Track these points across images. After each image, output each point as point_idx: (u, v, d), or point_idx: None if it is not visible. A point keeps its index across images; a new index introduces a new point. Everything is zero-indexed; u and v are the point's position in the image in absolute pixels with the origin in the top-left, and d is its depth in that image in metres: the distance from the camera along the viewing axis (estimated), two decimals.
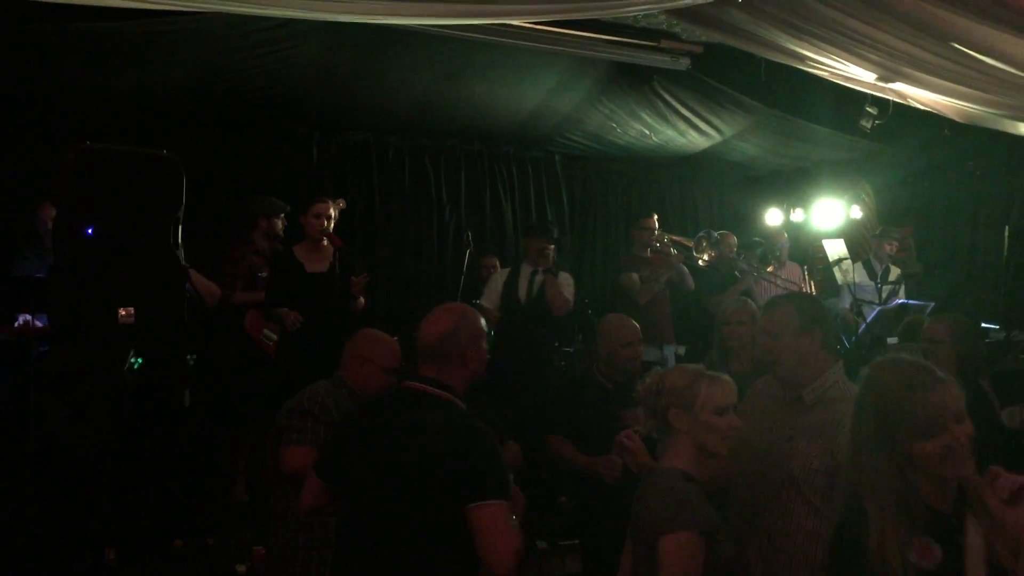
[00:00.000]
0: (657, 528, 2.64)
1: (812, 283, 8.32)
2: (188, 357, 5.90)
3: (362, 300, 6.06)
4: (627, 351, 4.58)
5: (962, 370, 4.33)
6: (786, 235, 8.66)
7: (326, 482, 2.98)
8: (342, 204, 6.38)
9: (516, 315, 6.65)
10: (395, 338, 3.96)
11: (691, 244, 7.70)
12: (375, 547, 2.76)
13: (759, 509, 3.13)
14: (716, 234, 7.94)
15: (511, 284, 6.75)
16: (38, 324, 4.94)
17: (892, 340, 6.49)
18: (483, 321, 3.10)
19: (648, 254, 7.58)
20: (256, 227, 6.52)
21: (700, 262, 7.52)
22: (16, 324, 5.04)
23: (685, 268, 7.54)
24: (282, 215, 6.60)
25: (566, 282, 6.78)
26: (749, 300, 5.15)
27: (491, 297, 6.82)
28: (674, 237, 7.78)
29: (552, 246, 6.76)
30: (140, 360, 5.38)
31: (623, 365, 4.56)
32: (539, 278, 6.68)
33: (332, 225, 6.06)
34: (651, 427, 3.11)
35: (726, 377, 3.00)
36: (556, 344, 7.18)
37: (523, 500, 3.20)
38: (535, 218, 8.92)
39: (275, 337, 6.01)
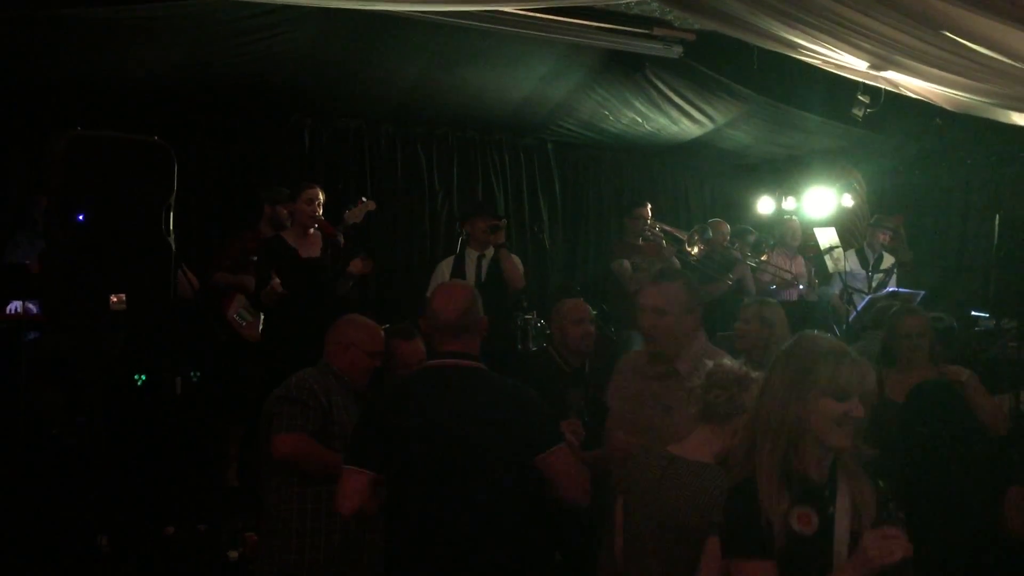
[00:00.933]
0: (705, 526, 2.69)
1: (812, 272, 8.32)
2: (192, 374, 5.91)
3: (350, 283, 6.02)
4: (577, 328, 4.55)
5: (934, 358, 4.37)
6: (798, 220, 8.64)
7: (376, 471, 2.94)
8: (372, 205, 6.30)
9: None
10: (387, 325, 3.98)
11: (684, 237, 7.71)
12: (462, 522, 2.87)
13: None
14: (709, 225, 7.95)
15: (457, 273, 6.62)
16: (32, 310, 4.93)
17: None
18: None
19: (640, 242, 7.59)
20: (262, 215, 6.52)
21: (690, 257, 7.53)
22: (9, 311, 5.03)
23: (676, 260, 7.55)
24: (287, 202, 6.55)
25: (514, 262, 6.68)
26: (763, 300, 5.09)
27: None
28: (667, 228, 7.79)
29: (495, 221, 6.65)
30: (144, 376, 5.39)
31: (574, 344, 4.55)
32: (486, 261, 6.61)
33: (321, 210, 6.04)
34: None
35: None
36: (534, 320, 7.07)
37: (581, 430, 3.40)
38: (478, 198, 8.78)
39: (249, 318, 6.00)
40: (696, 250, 7.61)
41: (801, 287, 7.96)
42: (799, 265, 8.31)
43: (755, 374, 2.94)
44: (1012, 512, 3.47)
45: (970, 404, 4.07)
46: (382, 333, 3.96)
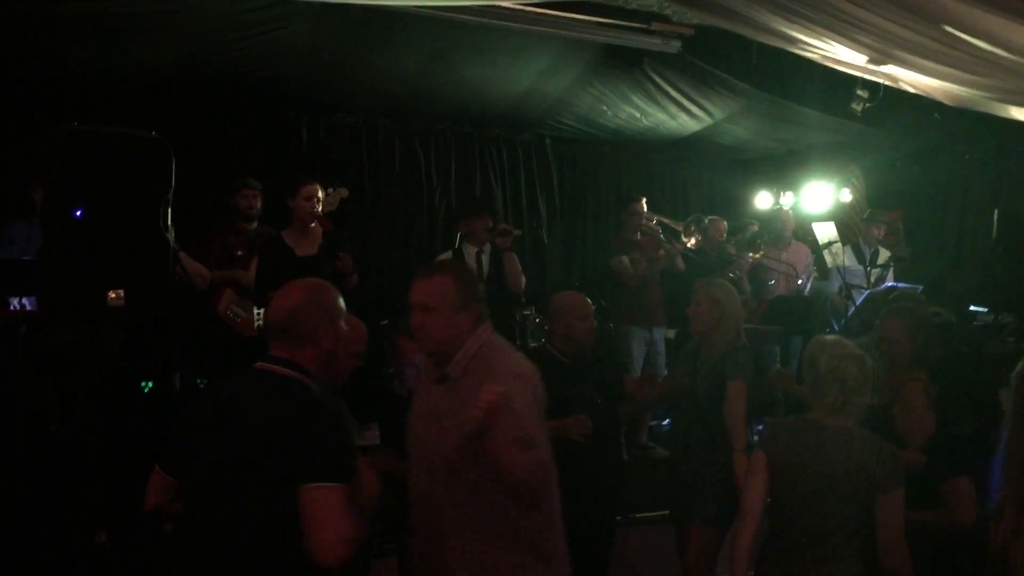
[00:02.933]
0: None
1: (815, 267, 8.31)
2: (198, 381, 5.88)
3: (355, 277, 6.01)
4: (585, 324, 4.51)
5: (920, 365, 4.29)
6: (792, 213, 8.64)
7: (167, 474, 2.83)
8: (344, 193, 6.30)
9: None
10: (385, 321, 3.95)
11: (680, 227, 7.71)
12: (206, 540, 2.61)
13: (436, 500, 2.92)
14: (707, 219, 7.95)
15: None
16: (27, 306, 4.91)
17: None
18: (341, 300, 2.92)
19: (638, 237, 7.58)
20: (235, 208, 6.49)
21: (687, 246, 7.54)
22: (11, 308, 5.02)
23: (673, 249, 7.54)
24: (250, 190, 6.49)
25: (513, 260, 6.67)
26: (711, 281, 5.09)
27: None
28: (663, 219, 7.78)
29: (491, 221, 6.63)
30: (151, 383, 5.36)
31: (582, 338, 4.50)
32: (485, 257, 6.59)
33: (321, 207, 6.04)
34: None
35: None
36: (533, 316, 7.07)
37: (377, 487, 2.92)
38: (476, 193, 8.78)
39: (243, 314, 5.99)
40: (693, 241, 7.61)
41: (799, 280, 7.94)
42: (799, 253, 8.27)
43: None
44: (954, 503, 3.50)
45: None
46: (365, 332, 3.88)
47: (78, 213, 3.81)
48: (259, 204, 6.44)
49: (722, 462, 4.27)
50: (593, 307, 4.61)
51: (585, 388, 4.38)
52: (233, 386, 2.83)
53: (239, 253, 6.26)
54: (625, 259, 7.39)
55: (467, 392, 2.77)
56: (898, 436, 3.67)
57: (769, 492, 3.21)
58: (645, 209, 7.63)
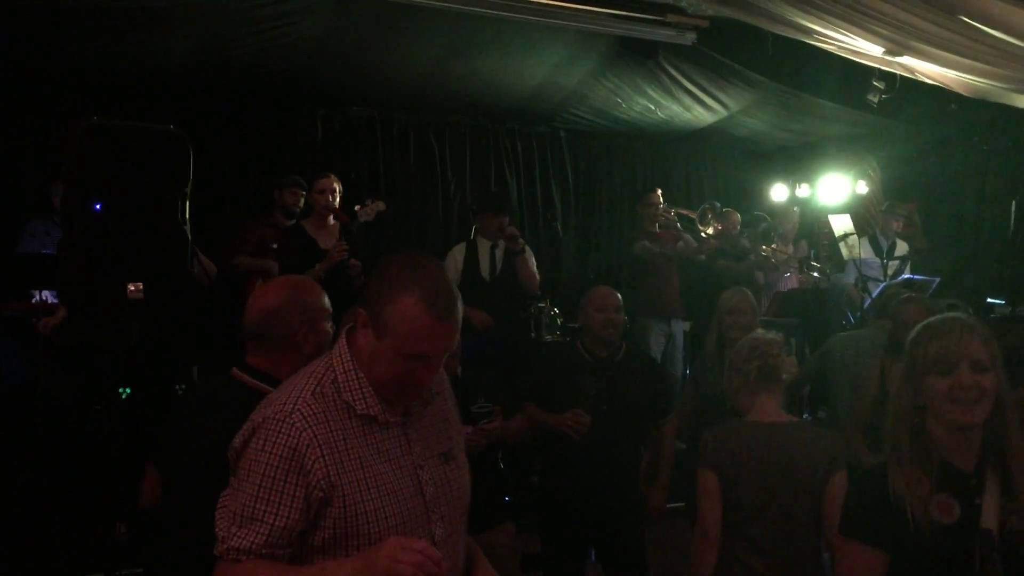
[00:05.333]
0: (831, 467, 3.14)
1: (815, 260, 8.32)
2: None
3: (362, 279, 6.03)
4: (600, 316, 4.43)
5: None
6: (797, 211, 8.64)
7: (159, 470, 2.85)
8: (382, 206, 6.25)
9: (481, 293, 6.45)
10: None
11: (695, 216, 7.69)
12: (180, 539, 2.53)
13: None
14: (721, 209, 7.95)
15: (470, 261, 6.59)
16: (49, 299, 4.97)
17: None
18: (324, 298, 2.77)
19: (656, 229, 7.57)
20: (274, 202, 6.60)
21: (704, 234, 7.53)
22: (34, 300, 5.08)
23: (693, 240, 7.54)
24: (299, 188, 6.58)
25: (530, 258, 6.69)
26: (747, 291, 5.13)
27: (452, 277, 6.62)
28: (681, 211, 7.78)
29: (507, 220, 6.61)
30: (128, 390, 5.38)
31: (598, 331, 4.43)
32: (499, 251, 6.59)
33: (338, 200, 6.09)
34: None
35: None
36: (548, 308, 7.09)
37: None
38: (491, 186, 8.80)
39: None
40: (711, 229, 7.59)
41: (816, 275, 7.94)
42: (800, 252, 8.32)
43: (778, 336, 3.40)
44: None
45: None
46: None
47: (97, 207, 3.83)
48: (303, 203, 6.50)
49: None
50: (619, 302, 4.51)
51: (593, 382, 4.35)
52: (206, 394, 2.76)
53: (274, 245, 6.32)
54: (648, 243, 7.39)
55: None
56: None
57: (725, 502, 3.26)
58: (661, 201, 7.63)
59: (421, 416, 2.17)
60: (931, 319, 2.35)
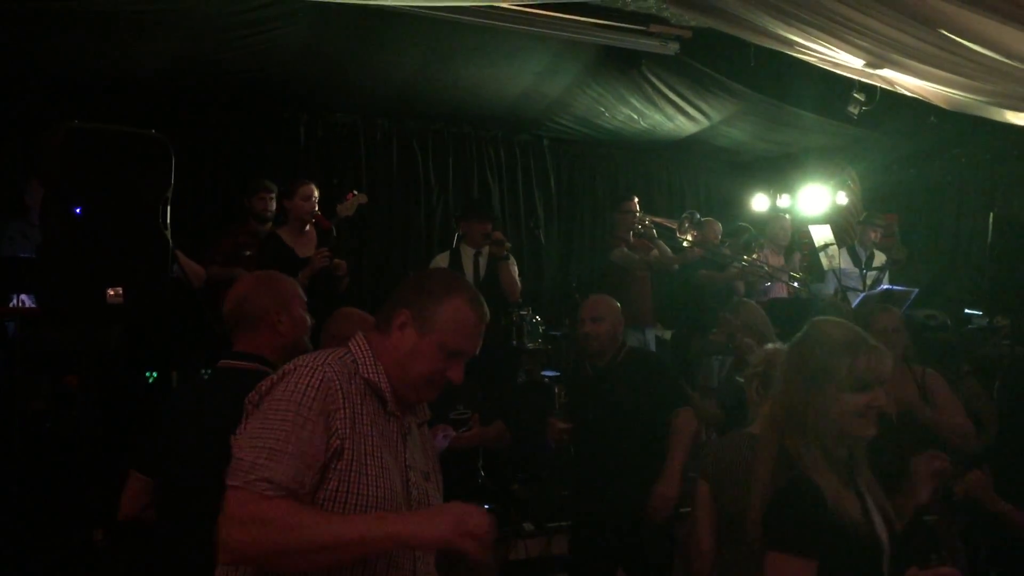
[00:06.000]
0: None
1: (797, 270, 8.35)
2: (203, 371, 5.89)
3: (346, 281, 6.03)
4: (583, 327, 4.41)
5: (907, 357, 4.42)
6: (788, 218, 8.66)
7: (146, 474, 2.84)
8: (363, 199, 6.29)
9: None
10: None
11: (674, 225, 7.71)
12: (180, 540, 2.56)
13: None
14: (700, 219, 7.96)
15: (454, 268, 6.57)
16: (26, 303, 4.92)
17: None
18: (299, 288, 2.93)
19: (631, 237, 7.58)
20: (250, 209, 6.54)
21: (684, 243, 7.54)
22: (12, 305, 5.03)
23: (667, 249, 7.55)
24: (267, 192, 6.55)
25: (513, 266, 6.70)
26: (752, 302, 5.14)
27: None
28: (656, 219, 7.79)
29: (490, 226, 6.64)
30: (156, 374, 5.35)
31: (582, 342, 4.44)
32: (483, 258, 6.60)
33: (316, 206, 6.08)
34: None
35: None
36: (530, 316, 7.08)
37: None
38: (474, 193, 8.79)
39: None
40: (690, 237, 7.60)
41: (796, 284, 7.97)
42: (793, 262, 8.35)
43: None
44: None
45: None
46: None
47: (77, 211, 3.82)
48: (274, 206, 6.48)
49: None
50: (600, 311, 4.45)
51: (566, 396, 4.37)
52: (198, 386, 2.87)
53: (247, 253, 6.29)
54: (626, 250, 7.41)
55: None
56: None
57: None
58: (638, 208, 7.64)
59: (411, 432, 2.25)
60: (853, 337, 2.41)
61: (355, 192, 6.45)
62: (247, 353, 2.74)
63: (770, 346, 3.54)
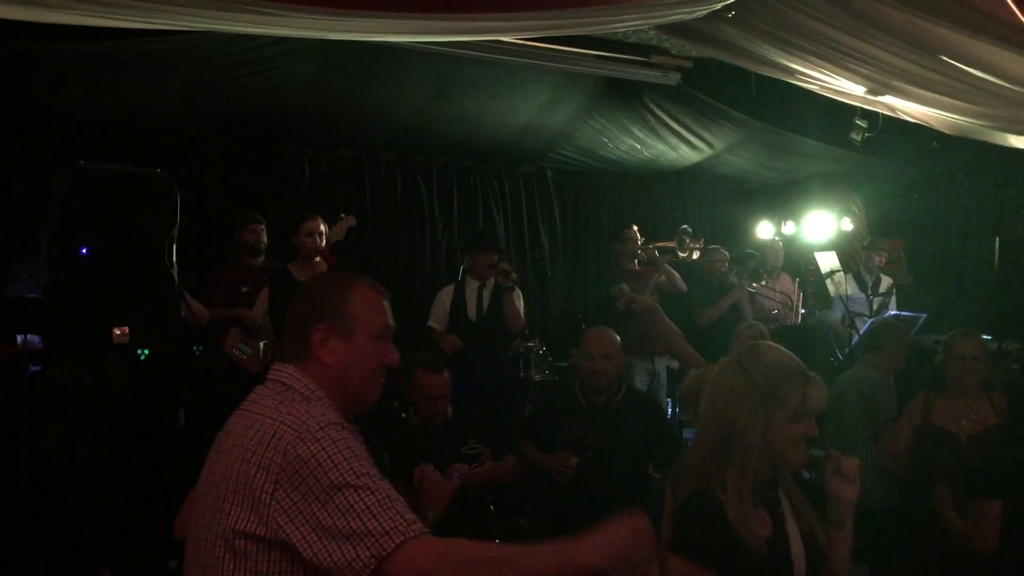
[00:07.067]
0: None
1: (802, 295, 8.35)
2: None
3: None
4: (587, 364, 4.35)
5: (986, 385, 4.44)
6: (781, 244, 8.69)
7: None
8: (352, 221, 6.34)
9: (468, 333, 6.49)
10: None
11: (673, 244, 7.68)
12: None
13: None
14: (696, 233, 7.93)
15: (458, 303, 6.60)
16: (36, 344, 4.93)
17: None
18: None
19: (635, 266, 7.57)
20: (242, 243, 6.53)
21: (691, 258, 7.51)
22: (19, 343, 5.04)
23: (674, 271, 7.53)
24: (256, 224, 6.55)
25: (518, 298, 6.71)
26: (761, 325, 5.14)
27: (439, 318, 6.64)
28: (658, 244, 7.78)
29: (496, 257, 6.63)
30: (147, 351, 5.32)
31: (586, 380, 4.36)
32: (487, 291, 6.60)
33: (329, 236, 6.09)
34: (690, 418, 3.50)
35: None
36: (536, 348, 7.06)
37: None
38: (479, 226, 8.80)
39: (248, 350, 6.01)
40: (694, 253, 7.56)
41: (802, 310, 7.96)
42: (785, 284, 8.35)
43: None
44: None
45: None
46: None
47: (83, 251, 3.82)
48: (265, 238, 6.49)
49: None
50: (609, 347, 4.38)
51: (578, 423, 4.27)
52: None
53: (244, 289, 6.30)
54: (625, 286, 7.38)
55: None
56: None
57: None
58: (638, 236, 7.63)
59: None
60: (801, 367, 2.47)
61: (343, 215, 6.49)
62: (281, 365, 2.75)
63: (694, 371, 3.65)
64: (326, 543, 1.82)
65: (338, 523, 1.82)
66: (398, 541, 1.81)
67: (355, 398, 2.16)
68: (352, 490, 1.84)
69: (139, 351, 5.17)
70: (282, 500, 1.86)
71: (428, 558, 1.83)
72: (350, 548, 1.81)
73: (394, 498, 1.88)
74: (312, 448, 1.88)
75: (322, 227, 6.13)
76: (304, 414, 1.96)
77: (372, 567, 1.80)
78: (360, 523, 1.82)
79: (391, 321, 2.22)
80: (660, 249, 7.62)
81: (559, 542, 1.95)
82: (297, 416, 1.95)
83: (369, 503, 1.84)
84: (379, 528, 1.82)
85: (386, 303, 2.22)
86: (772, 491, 2.48)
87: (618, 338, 4.48)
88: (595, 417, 4.33)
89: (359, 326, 2.14)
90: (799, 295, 8.36)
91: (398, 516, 1.85)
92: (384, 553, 1.80)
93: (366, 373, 2.15)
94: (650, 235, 7.88)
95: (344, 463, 1.87)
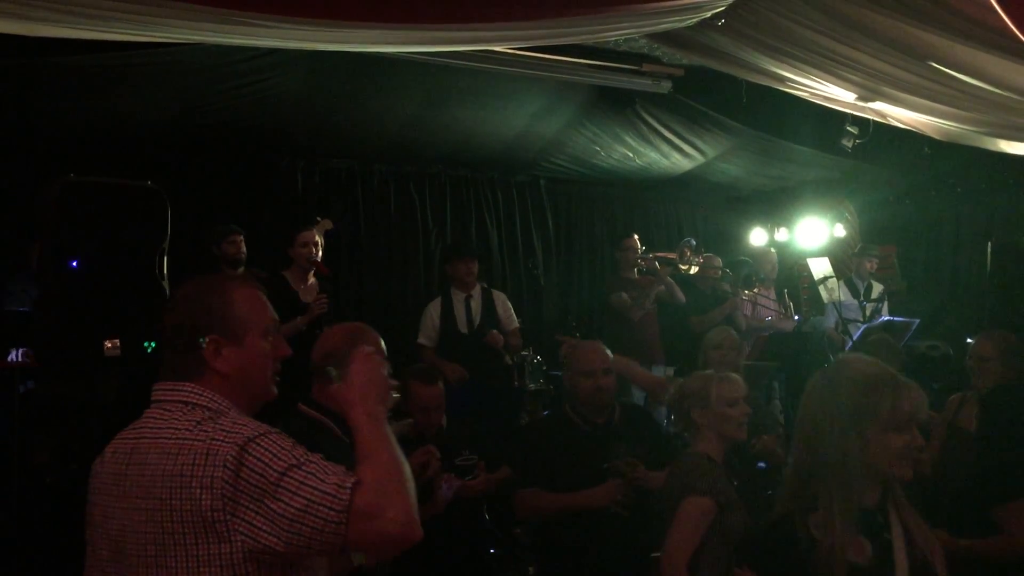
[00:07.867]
0: (682, 493, 3.19)
1: (792, 304, 8.34)
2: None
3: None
4: (587, 381, 4.07)
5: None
6: (775, 252, 8.69)
7: None
8: (328, 224, 6.35)
9: (460, 346, 6.48)
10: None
11: (674, 256, 7.69)
12: None
13: None
14: (696, 243, 7.95)
15: (446, 315, 6.59)
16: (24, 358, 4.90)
17: None
18: (381, 342, 2.96)
19: (635, 275, 7.56)
20: (222, 255, 6.48)
21: (690, 271, 7.51)
22: (11, 360, 5.01)
23: (673, 282, 7.53)
24: (236, 236, 6.50)
25: (503, 302, 6.71)
26: (731, 329, 5.14)
27: (430, 334, 6.61)
28: (658, 254, 7.79)
29: (476, 263, 6.65)
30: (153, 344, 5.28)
31: (586, 399, 4.10)
32: (474, 302, 6.61)
33: (319, 252, 6.09)
34: (679, 429, 3.59)
35: (733, 375, 3.54)
36: (531, 357, 7.03)
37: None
38: (471, 235, 8.80)
39: None
40: (693, 268, 7.55)
41: (768, 318, 7.96)
42: (783, 299, 8.35)
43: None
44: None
45: None
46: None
47: (74, 264, 3.82)
48: (244, 249, 6.45)
49: None
50: (607, 361, 4.15)
51: (626, 449, 3.99)
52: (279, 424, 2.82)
53: None
54: (624, 295, 7.38)
55: None
56: None
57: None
58: (639, 245, 7.64)
59: None
60: (890, 374, 2.34)
61: (319, 219, 6.48)
62: (326, 408, 2.86)
63: (677, 378, 3.74)
64: (295, 527, 1.83)
65: (294, 503, 1.83)
66: (350, 485, 1.84)
67: (257, 399, 2.15)
68: (294, 469, 1.86)
69: (146, 344, 5.14)
70: (239, 513, 1.85)
71: (372, 491, 1.85)
72: (312, 518, 1.82)
73: (327, 463, 1.90)
74: (255, 452, 1.88)
75: (317, 238, 6.13)
76: (231, 426, 1.95)
77: (344, 521, 1.82)
78: (312, 491, 1.83)
79: (274, 314, 2.20)
80: (660, 260, 7.62)
81: None
82: (225, 429, 1.94)
83: (312, 470, 1.86)
84: (332, 486, 1.84)
85: (264, 296, 2.20)
86: (878, 517, 2.33)
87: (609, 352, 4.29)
88: (596, 441, 4.08)
89: (248, 328, 2.10)
90: (789, 304, 8.35)
91: (340, 471, 1.87)
92: (347, 501, 1.82)
93: (266, 372, 2.15)
94: (643, 242, 7.88)
95: (282, 452, 1.89)
